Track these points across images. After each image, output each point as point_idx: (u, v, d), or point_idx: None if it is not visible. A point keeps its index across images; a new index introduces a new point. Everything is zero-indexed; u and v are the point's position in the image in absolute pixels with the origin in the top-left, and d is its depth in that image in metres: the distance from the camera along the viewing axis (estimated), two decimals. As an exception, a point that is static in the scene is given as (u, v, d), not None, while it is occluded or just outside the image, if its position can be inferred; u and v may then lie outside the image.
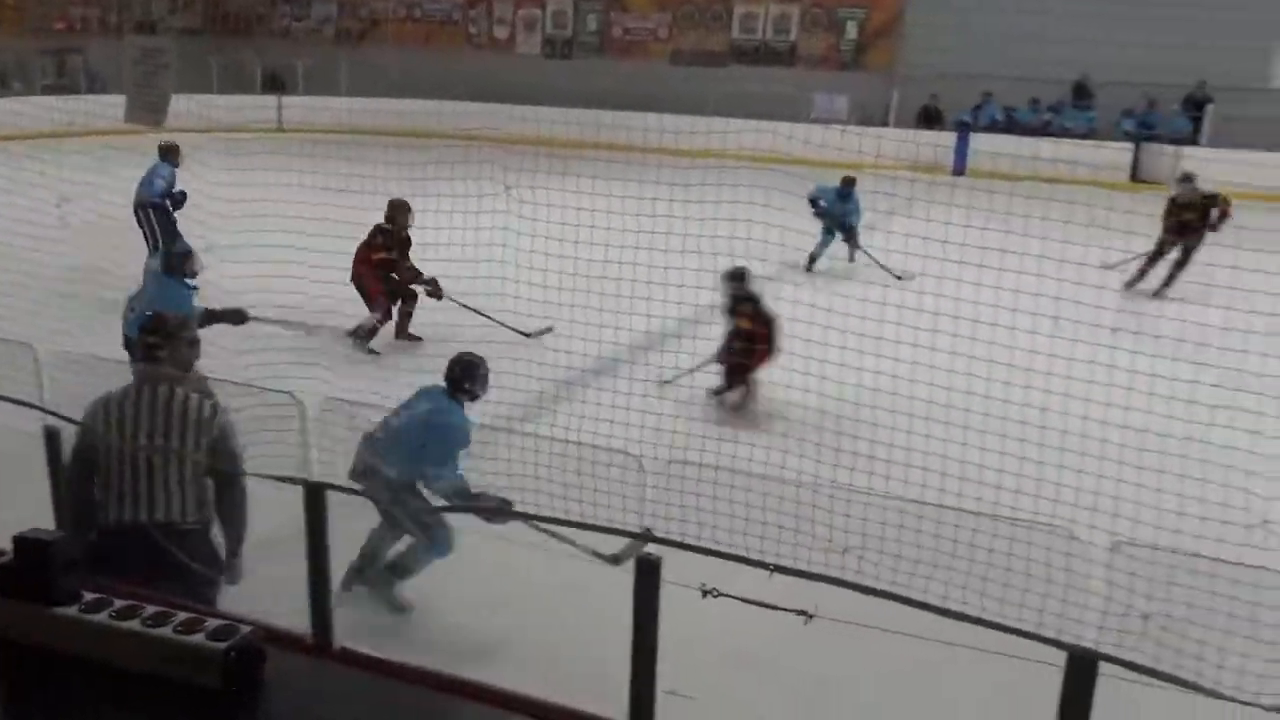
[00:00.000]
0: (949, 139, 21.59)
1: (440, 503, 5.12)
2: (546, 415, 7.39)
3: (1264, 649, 3.72)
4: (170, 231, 10.91)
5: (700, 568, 4.20)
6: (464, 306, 9.33)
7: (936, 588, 4.24)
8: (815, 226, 11.86)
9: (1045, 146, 18.59)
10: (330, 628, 2.90)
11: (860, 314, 6.27)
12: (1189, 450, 5.89)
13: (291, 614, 2.78)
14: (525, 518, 4.50)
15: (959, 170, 21.00)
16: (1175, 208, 12.10)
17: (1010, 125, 22.12)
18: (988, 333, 6.25)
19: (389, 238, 9.49)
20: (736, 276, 8.49)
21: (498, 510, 4.78)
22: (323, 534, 3.12)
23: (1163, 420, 5.76)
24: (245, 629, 2.04)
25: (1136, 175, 20.01)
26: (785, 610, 4.53)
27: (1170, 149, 19.63)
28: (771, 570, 4.33)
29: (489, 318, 9.14)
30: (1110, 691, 3.08)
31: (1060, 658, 3.06)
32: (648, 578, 3.24)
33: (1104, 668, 3.05)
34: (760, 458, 5.57)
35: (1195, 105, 21.02)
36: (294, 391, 3.80)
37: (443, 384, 5.37)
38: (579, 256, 7.25)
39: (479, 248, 7.87)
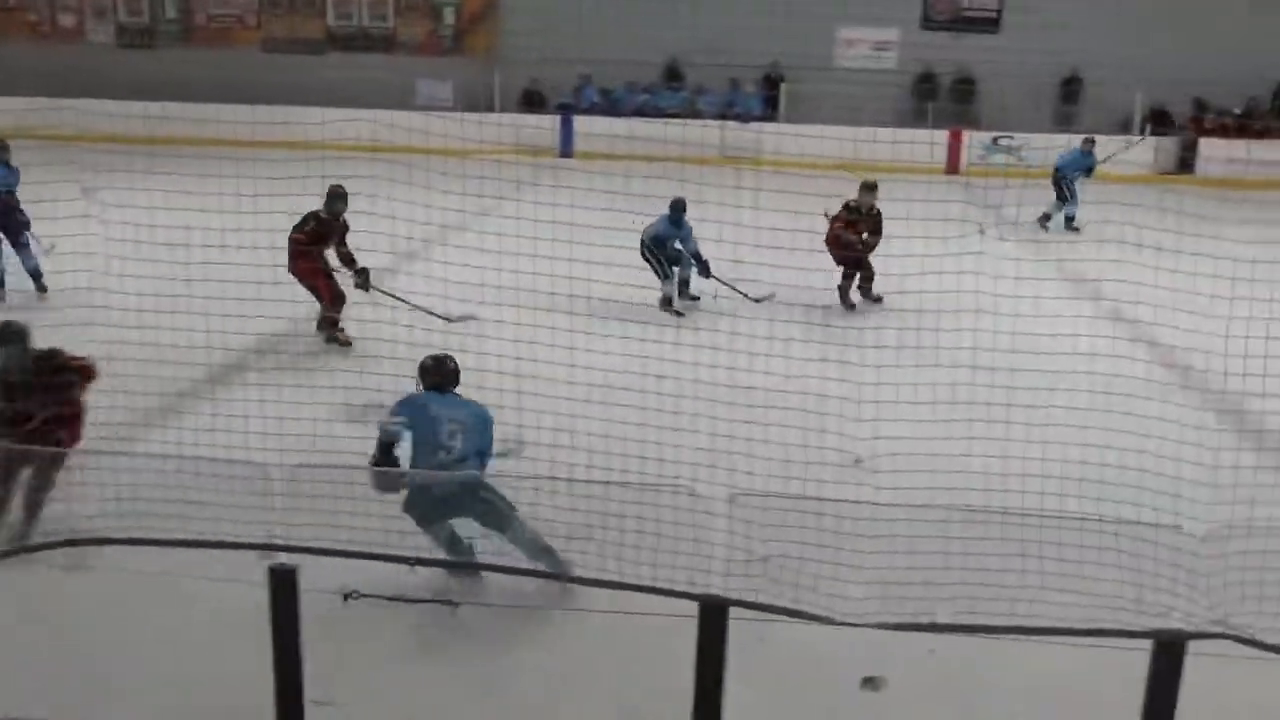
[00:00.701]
0: (552, 122, 22.12)
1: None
2: (155, 431, 6.89)
3: (866, 574, 4.15)
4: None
5: (341, 572, 4.09)
6: (390, 294, 9.03)
7: (578, 558, 4.38)
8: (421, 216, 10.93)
9: (643, 126, 19.46)
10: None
11: (488, 300, 6.29)
12: (790, 401, 6.40)
13: None
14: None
15: (565, 152, 21.60)
16: (854, 217, 10.93)
17: (609, 107, 22.97)
18: (601, 308, 6.49)
19: (321, 224, 9.12)
20: (10, 337, 5.82)
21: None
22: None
23: (762, 376, 6.20)
24: None
25: (724, 151, 21.42)
26: (431, 602, 4.53)
27: (754, 125, 21.15)
28: (414, 564, 4.31)
29: (417, 306, 8.75)
30: (742, 631, 3.31)
31: (694, 608, 3.26)
32: (284, 588, 3.12)
33: (734, 611, 3.28)
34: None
35: (771, 84, 22.78)
36: None
37: (433, 386, 5.58)
38: (175, 260, 6.79)
39: (63, 256, 7.17)
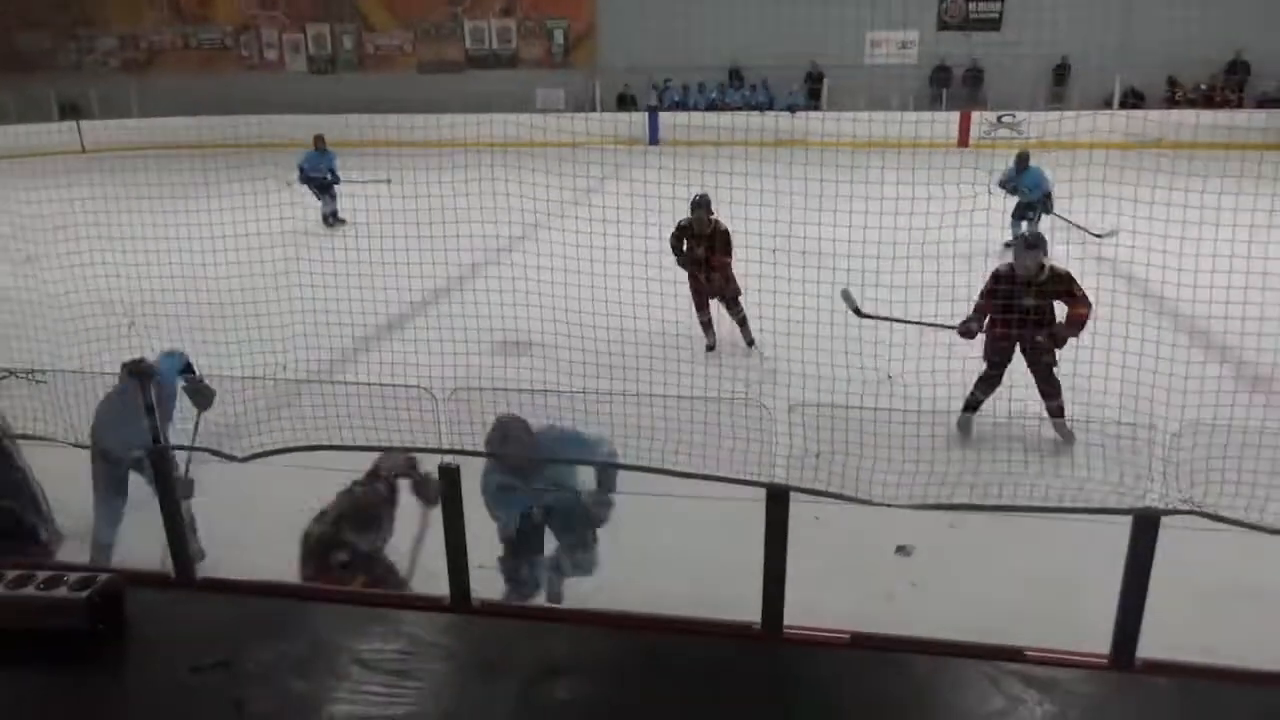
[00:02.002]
0: (642, 118, 21.89)
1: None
2: (350, 366, 7.03)
3: (898, 466, 4.08)
4: None
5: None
6: None
7: (670, 458, 4.36)
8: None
9: (713, 118, 19.13)
10: (191, 563, 2.71)
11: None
12: (836, 333, 6.24)
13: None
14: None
15: (653, 141, 21.37)
16: (1005, 287, 5.96)
17: (685, 104, 22.60)
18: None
19: (679, 229, 7.66)
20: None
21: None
22: (171, 492, 2.88)
23: (814, 314, 6.07)
24: (104, 576, 1.85)
25: (778, 138, 20.92)
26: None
27: (801, 114, 20.59)
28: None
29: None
30: (800, 511, 3.29)
31: (762, 494, 3.23)
32: (451, 481, 3.17)
33: (794, 496, 3.25)
34: (539, 378, 5.48)
35: (814, 79, 22.14)
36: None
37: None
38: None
39: (268, 236, 7.28)
